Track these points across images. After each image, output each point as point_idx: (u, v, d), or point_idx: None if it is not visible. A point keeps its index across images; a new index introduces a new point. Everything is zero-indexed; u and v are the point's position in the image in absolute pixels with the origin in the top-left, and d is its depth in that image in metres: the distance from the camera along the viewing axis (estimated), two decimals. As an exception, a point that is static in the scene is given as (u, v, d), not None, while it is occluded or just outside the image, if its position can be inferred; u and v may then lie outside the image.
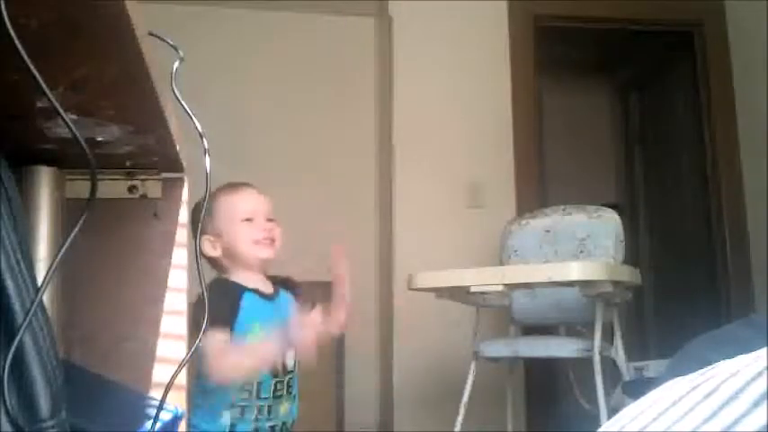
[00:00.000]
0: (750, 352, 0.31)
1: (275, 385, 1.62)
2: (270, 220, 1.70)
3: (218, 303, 1.55)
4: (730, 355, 0.32)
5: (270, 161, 3.28)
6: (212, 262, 1.68)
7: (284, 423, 1.65)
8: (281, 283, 1.75)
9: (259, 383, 1.60)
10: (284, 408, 1.65)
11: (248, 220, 1.66)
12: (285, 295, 1.73)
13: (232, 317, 1.58)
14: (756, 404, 0.27)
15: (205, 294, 0.92)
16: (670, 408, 0.30)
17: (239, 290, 1.63)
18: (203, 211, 0.89)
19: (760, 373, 0.28)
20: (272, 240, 1.68)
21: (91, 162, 0.59)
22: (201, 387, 1.59)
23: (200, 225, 1.54)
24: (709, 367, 0.31)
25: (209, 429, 1.59)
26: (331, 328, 1.67)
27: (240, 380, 1.57)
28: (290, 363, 1.66)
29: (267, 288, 1.70)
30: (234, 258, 1.67)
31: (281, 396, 1.64)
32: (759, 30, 3.32)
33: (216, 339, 1.49)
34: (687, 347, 1.04)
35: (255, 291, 1.66)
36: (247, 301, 1.62)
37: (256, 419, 1.60)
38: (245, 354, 1.56)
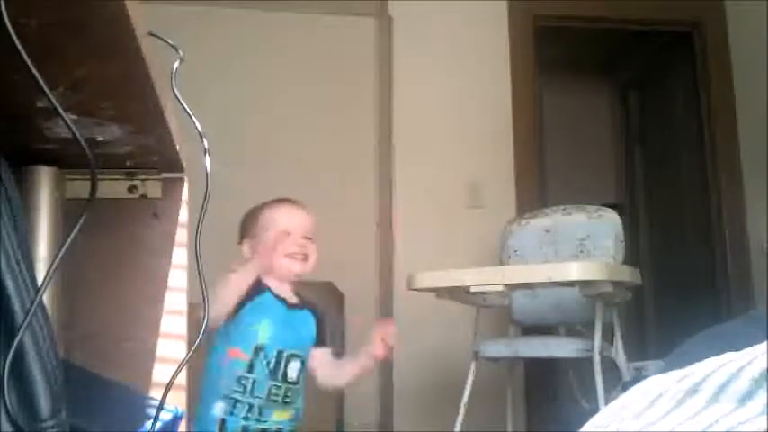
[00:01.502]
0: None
1: (270, 389, 1.64)
2: (307, 237, 1.77)
3: (252, 283, 1.67)
4: (733, 351, 0.32)
5: (270, 161, 3.27)
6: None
7: (279, 430, 1.66)
8: (308, 303, 1.81)
9: (254, 381, 1.62)
10: (278, 414, 1.65)
11: (285, 233, 1.73)
12: (307, 313, 1.78)
13: (240, 296, 1.63)
14: (741, 401, 0.27)
15: (204, 295, 0.91)
16: (654, 402, 0.29)
17: (259, 288, 1.69)
18: (201, 213, 0.89)
19: (741, 370, 0.28)
20: (306, 256, 1.75)
21: (91, 162, 0.59)
22: (206, 368, 1.66)
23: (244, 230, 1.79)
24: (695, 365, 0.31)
25: (201, 420, 1.62)
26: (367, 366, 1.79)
27: (221, 309, 1.59)
28: (292, 373, 1.68)
29: (291, 299, 1.76)
30: (268, 267, 1.73)
31: (275, 401, 1.64)
32: (759, 30, 3.32)
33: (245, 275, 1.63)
34: (685, 345, 1.04)
35: (276, 295, 1.71)
36: (262, 298, 1.68)
37: (246, 418, 1.61)
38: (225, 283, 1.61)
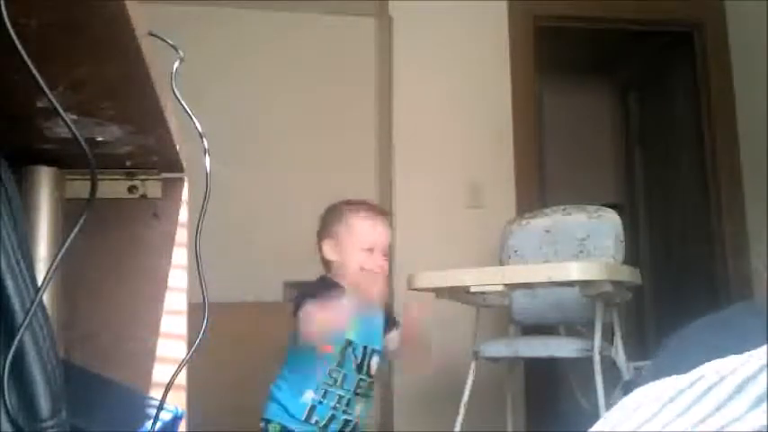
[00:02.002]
0: (751, 339, 0.31)
1: (358, 382, 1.74)
2: (385, 255, 1.83)
3: (320, 288, 1.75)
4: (732, 340, 0.32)
5: (270, 161, 3.27)
6: (326, 264, 1.85)
7: (356, 424, 1.76)
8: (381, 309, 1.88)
9: (344, 375, 1.73)
10: (360, 407, 1.76)
11: (368, 249, 1.79)
12: (380, 312, 1.86)
13: (328, 296, 1.70)
14: (754, 404, 0.27)
15: (204, 295, 0.91)
16: (667, 405, 0.29)
17: (340, 290, 1.75)
18: (201, 213, 0.89)
19: (755, 375, 0.28)
20: (379, 275, 1.80)
21: (91, 162, 0.59)
22: (294, 364, 1.74)
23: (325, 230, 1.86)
24: (701, 368, 0.31)
25: (288, 405, 1.71)
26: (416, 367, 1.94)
27: (327, 336, 1.68)
28: (373, 367, 1.78)
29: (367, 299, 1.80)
30: (342, 272, 1.80)
31: (359, 394, 1.75)
32: (759, 30, 3.32)
33: (307, 306, 1.66)
34: (685, 331, 1.03)
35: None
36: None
37: (335, 408, 1.71)
38: (329, 309, 1.67)
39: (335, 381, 1.72)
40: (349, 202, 1.91)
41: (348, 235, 1.82)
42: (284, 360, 1.79)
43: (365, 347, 1.77)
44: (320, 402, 1.71)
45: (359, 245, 1.80)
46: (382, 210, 1.92)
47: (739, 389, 0.27)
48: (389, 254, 1.89)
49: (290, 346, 1.77)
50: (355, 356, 1.75)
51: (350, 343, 1.75)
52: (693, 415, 0.28)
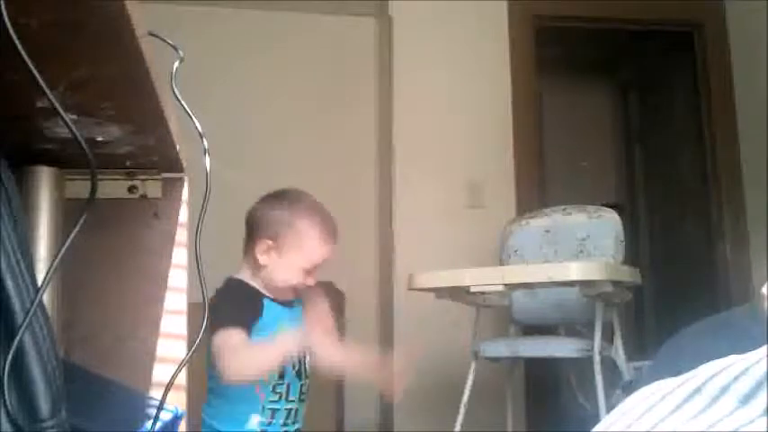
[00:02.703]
0: (750, 342, 0.31)
1: (301, 389, 1.61)
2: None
3: (239, 304, 1.56)
4: (729, 343, 0.32)
5: (270, 161, 3.27)
6: (253, 264, 1.62)
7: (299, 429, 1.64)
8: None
9: (288, 385, 1.58)
10: (303, 412, 1.63)
11: (312, 268, 1.61)
12: (299, 306, 1.69)
13: (252, 320, 1.54)
14: (742, 402, 0.27)
15: (204, 295, 0.91)
16: (657, 404, 0.30)
17: (259, 297, 1.59)
18: (201, 213, 0.88)
19: (745, 371, 0.28)
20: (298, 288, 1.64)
21: (91, 162, 0.59)
22: (225, 391, 1.55)
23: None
24: (692, 371, 0.31)
25: None
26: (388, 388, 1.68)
27: (253, 378, 1.52)
28: (308, 367, 1.64)
29: (286, 296, 1.66)
30: (270, 276, 1.62)
31: (304, 400, 1.62)
32: (759, 30, 3.32)
33: (231, 338, 1.47)
34: (682, 334, 1.03)
35: (276, 299, 1.63)
36: (269, 306, 1.60)
37: (285, 424, 1.57)
38: (258, 350, 1.51)
39: (280, 395, 1.56)
40: (299, 200, 1.66)
41: (295, 248, 1.59)
42: (209, 387, 1.58)
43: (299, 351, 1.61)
44: (269, 424, 1.55)
45: (304, 263, 1.59)
46: (334, 226, 1.67)
47: (726, 387, 0.28)
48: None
49: (212, 373, 1.53)
50: (293, 364, 1.59)
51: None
52: (682, 414, 0.28)
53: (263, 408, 1.55)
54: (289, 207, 1.64)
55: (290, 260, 1.59)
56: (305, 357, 1.63)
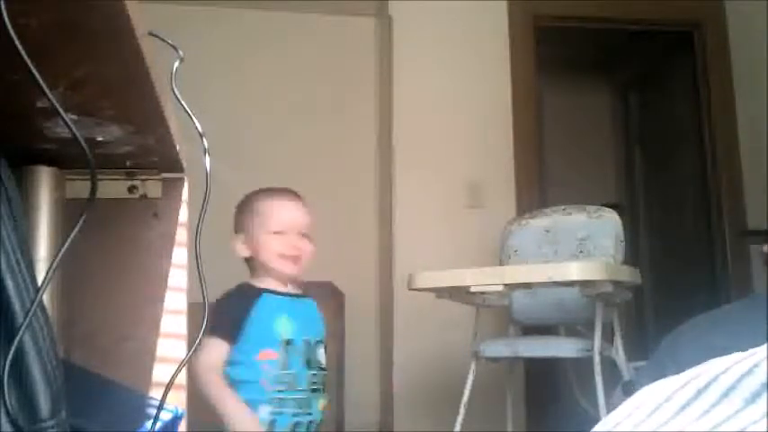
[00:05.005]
0: (749, 335, 0.31)
1: (310, 379, 1.62)
2: (304, 235, 1.68)
3: (223, 309, 1.60)
4: (729, 336, 0.32)
5: (269, 161, 3.28)
6: (246, 261, 1.71)
7: (320, 421, 1.64)
8: (309, 293, 1.76)
9: (295, 375, 1.59)
10: (320, 403, 1.64)
11: (279, 233, 1.65)
12: (311, 300, 1.74)
13: (239, 320, 1.59)
14: (748, 402, 0.27)
15: (204, 295, 0.91)
16: (662, 404, 0.30)
17: (255, 294, 1.63)
18: (201, 213, 0.88)
19: (751, 370, 0.28)
20: (298, 258, 1.66)
21: (91, 162, 0.59)
22: (230, 380, 1.59)
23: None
24: (696, 368, 0.31)
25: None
26: None
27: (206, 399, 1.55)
28: (322, 359, 1.66)
29: (292, 290, 1.71)
30: (261, 264, 1.68)
31: (316, 390, 1.63)
32: (759, 30, 3.32)
33: (210, 351, 1.54)
34: (682, 328, 1.03)
35: (278, 292, 1.66)
36: (265, 301, 1.63)
37: (296, 414, 1.59)
38: (216, 389, 1.55)
39: (288, 384, 1.58)
40: (259, 190, 1.74)
41: (257, 222, 1.66)
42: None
43: (307, 341, 1.64)
44: (280, 414, 1.57)
45: (267, 229, 1.64)
46: (295, 193, 1.72)
47: (733, 387, 0.28)
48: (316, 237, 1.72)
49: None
50: (299, 354, 1.62)
51: (289, 342, 1.61)
52: (689, 414, 0.28)
53: (271, 397, 1.57)
54: (245, 199, 1.74)
55: (261, 237, 1.65)
56: (317, 348, 1.65)
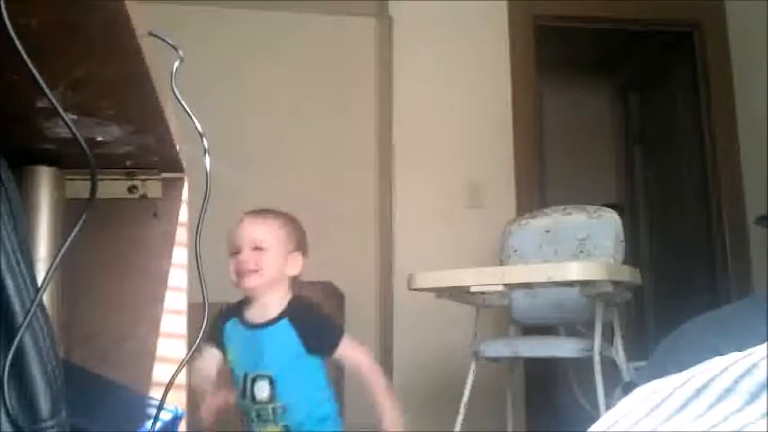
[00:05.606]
0: (749, 335, 0.31)
1: (255, 409, 1.66)
2: (258, 248, 1.68)
3: (216, 324, 1.72)
4: (729, 336, 0.32)
5: (270, 161, 3.28)
6: None
7: None
8: (290, 313, 1.70)
9: (244, 404, 1.67)
10: (270, 429, 1.67)
11: (236, 253, 1.70)
12: (284, 325, 1.68)
13: (219, 338, 1.71)
14: (747, 401, 0.27)
15: (204, 295, 0.91)
16: (661, 403, 0.30)
17: (225, 318, 1.73)
18: (201, 213, 0.89)
19: (750, 370, 0.28)
20: (254, 271, 1.67)
21: (91, 162, 0.59)
22: None
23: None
24: (695, 367, 0.31)
25: None
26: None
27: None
28: (260, 394, 1.64)
29: (261, 316, 1.70)
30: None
31: (266, 420, 1.67)
32: (759, 30, 3.32)
33: (208, 359, 1.68)
34: (682, 328, 1.03)
35: (240, 319, 1.71)
36: (228, 327, 1.72)
37: (264, 421, 1.66)
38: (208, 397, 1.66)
39: (243, 409, 1.69)
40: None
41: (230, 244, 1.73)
42: None
43: (246, 374, 1.65)
44: (247, 422, 1.69)
45: (228, 252, 1.70)
46: (256, 212, 1.76)
47: (732, 387, 0.28)
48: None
49: None
50: (238, 386, 1.66)
51: (231, 372, 1.68)
52: (687, 413, 0.28)
53: (240, 405, 1.68)
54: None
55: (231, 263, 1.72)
56: (256, 382, 1.66)
